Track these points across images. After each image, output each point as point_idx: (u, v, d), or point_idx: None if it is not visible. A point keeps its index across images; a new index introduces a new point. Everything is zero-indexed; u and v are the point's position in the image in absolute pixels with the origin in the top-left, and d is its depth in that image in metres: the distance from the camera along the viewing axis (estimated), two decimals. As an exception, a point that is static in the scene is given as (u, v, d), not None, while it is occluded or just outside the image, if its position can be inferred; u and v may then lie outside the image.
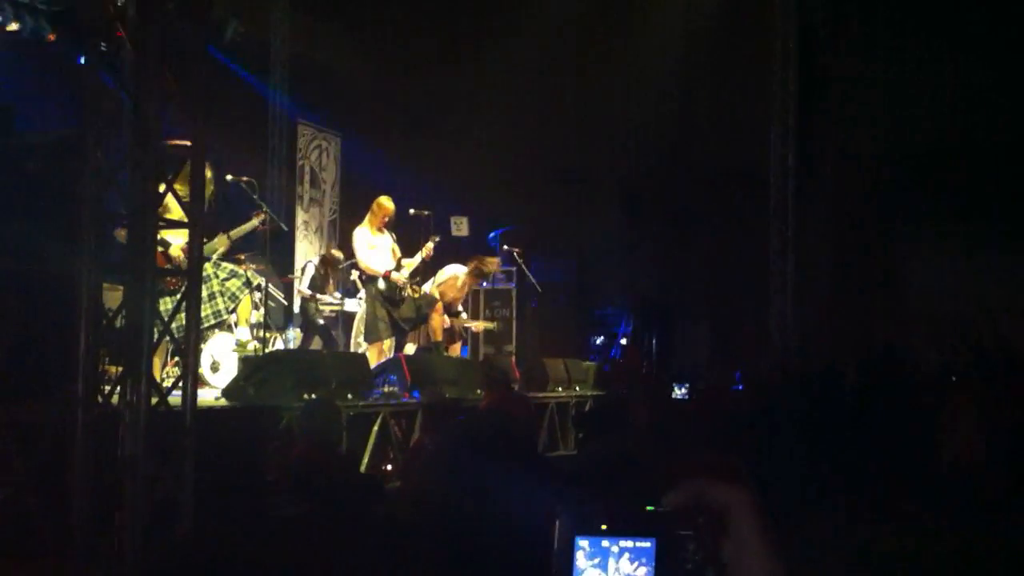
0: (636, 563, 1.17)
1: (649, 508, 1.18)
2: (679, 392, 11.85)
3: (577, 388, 10.96)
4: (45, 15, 13.07)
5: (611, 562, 1.18)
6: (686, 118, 15.90)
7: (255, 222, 9.30)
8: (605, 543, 1.18)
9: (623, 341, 14.02)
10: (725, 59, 14.75)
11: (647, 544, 1.17)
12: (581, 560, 1.18)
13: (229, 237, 9.03)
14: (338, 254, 11.86)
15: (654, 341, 13.90)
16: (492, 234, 13.03)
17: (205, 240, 8.54)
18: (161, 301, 7.42)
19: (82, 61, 11.99)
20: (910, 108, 14.37)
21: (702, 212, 15.31)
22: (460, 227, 12.49)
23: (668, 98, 15.79)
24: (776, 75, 13.01)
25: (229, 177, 9.52)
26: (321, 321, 11.71)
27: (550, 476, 1.96)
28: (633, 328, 14.12)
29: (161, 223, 5.07)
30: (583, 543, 1.18)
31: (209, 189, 8.56)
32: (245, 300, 9.07)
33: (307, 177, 15.26)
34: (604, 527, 1.18)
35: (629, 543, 1.17)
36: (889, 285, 14.07)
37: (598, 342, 14.34)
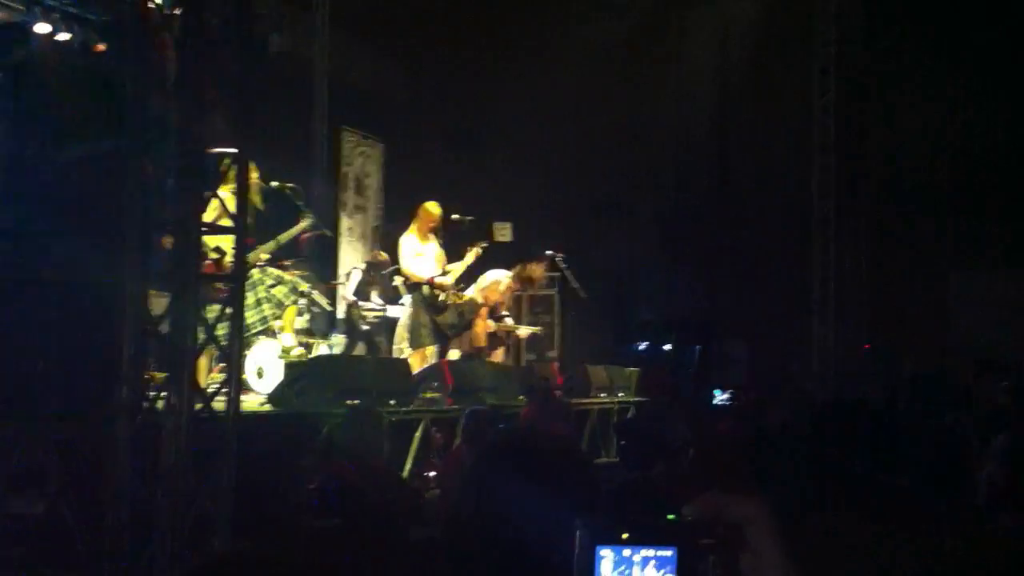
0: (662, 571, 1.17)
1: (670, 518, 1.19)
2: (721, 398, 11.80)
3: (620, 394, 10.92)
4: (94, 25, 13.28)
5: (636, 570, 1.18)
6: (725, 142, 15.88)
7: (303, 224, 9.32)
8: (627, 552, 1.18)
9: (666, 348, 13.96)
10: (763, 82, 14.72)
11: (669, 552, 1.17)
12: (606, 570, 1.18)
13: (278, 241, 9.07)
14: (384, 257, 11.91)
15: (696, 358, 13.85)
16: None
17: (255, 244, 8.67)
18: (208, 308, 7.50)
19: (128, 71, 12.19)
20: (952, 129, 14.28)
21: (742, 232, 15.26)
22: (504, 232, 12.46)
23: (707, 121, 15.77)
24: (815, 96, 12.95)
25: (274, 184, 9.58)
26: (365, 327, 11.76)
27: (583, 495, 1.95)
28: (673, 346, 14.07)
29: (206, 230, 5.12)
30: (605, 552, 1.18)
31: (256, 197, 8.68)
32: (291, 307, 9.13)
33: (351, 184, 15.34)
34: (625, 536, 1.18)
35: (651, 552, 1.17)
36: (931, 308, 13.96)
37: (640, 348, 14.29)
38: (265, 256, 8.96)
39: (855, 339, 13.06)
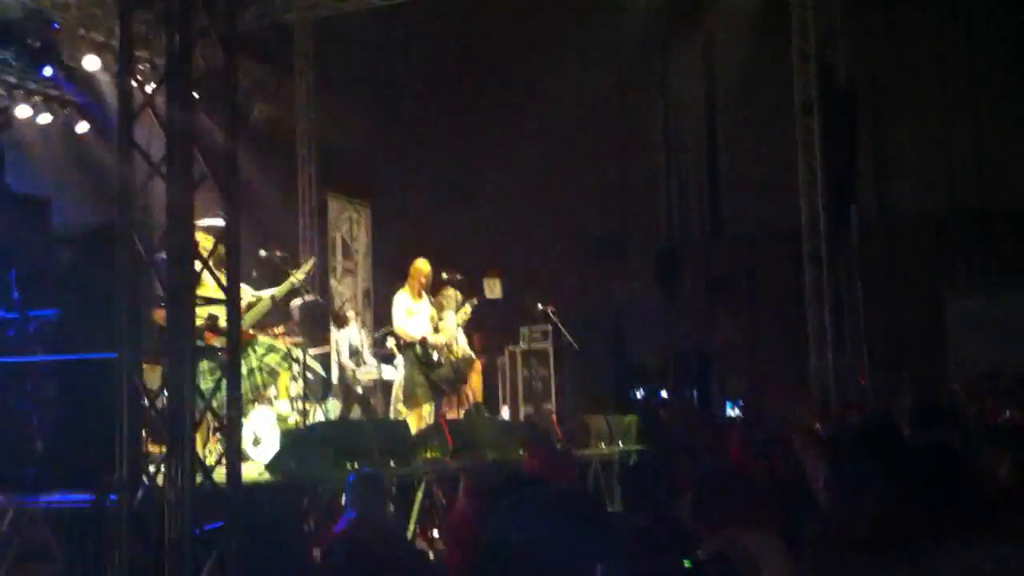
0: None
1: (686, 565, 1.20)
2: (732, 412, 11.76)
3: (620, 443, 10.89)
4: (75, 106, 13.41)
5: None
6: (717, 178, 16.03)
7: (292, 279, 9.26)
8: None
9: (663, 395, 13.96)
10: (751, 118, 14.89)
11: None
12: None
13: (273, 298, 9.04)
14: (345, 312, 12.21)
15: (695, 395, 13.85)
16: None
17: (251, 302, 8.65)
18: (203, 378, 7.48)
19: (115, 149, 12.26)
20: (944, 161, 14.50)
21: (736, 269, 15.35)
22: (493, 289, 12.51)
23: (698, 158, 15.92)
24: (799, 133, 13.09)
25: (263, 252, 9.61)
26: (360, 390, 11.76)
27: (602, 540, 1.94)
28: (673, 383, 14.08)
29: (199, 301, 5.13)
30: None
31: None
32: (284, 373, 9.11)
33: (339, 248, 15.40)
34: None
35: None
36: (930, 338, 14.04)
37: (638, 395, 14.28)
38: (263, 308, 8.89)
39: (853, 371, 13.07)
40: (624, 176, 16.39)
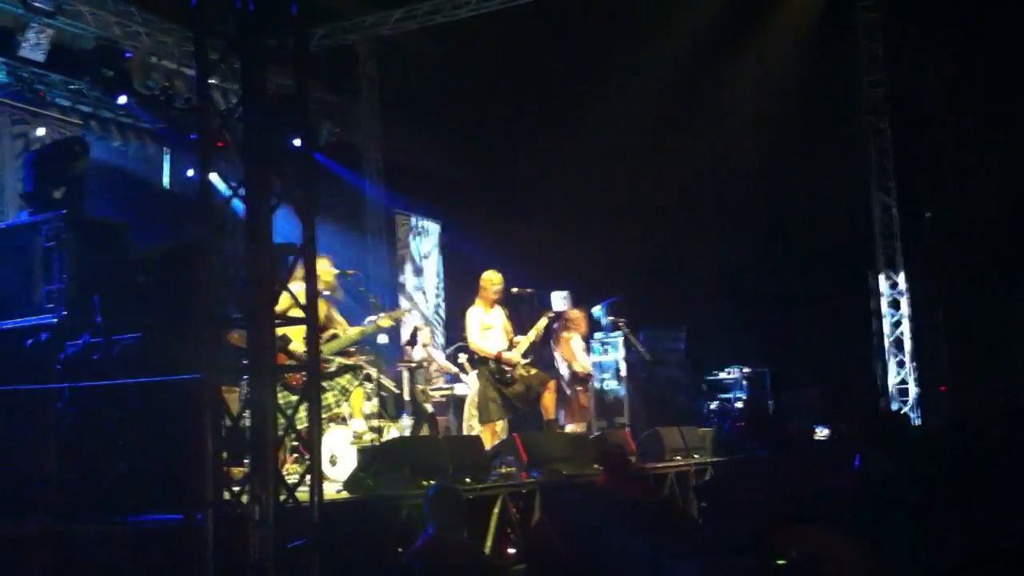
0: None
1: (779, 562, 1.18)
2: (822, 434, 11.58)
3: (695, 456, 10.78)
4: (149, 132, 13.70)
5: None
6: (781, 190, 15.86)
7: (380, 323, 9.37)
8: None
9: (738, 406, 13.81)
10: (810, 124, 14.72)
11: None
12: None
13: (363, 333, 9.16)
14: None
15: (770, 404, 13.68)
16: (597, 308, 13.02)
17: (336, 334, 8.78)
18: (281, 398, 7.57)
19: (193, 173, 12.51)
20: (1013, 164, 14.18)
21: (805, 278, 15.15)
22: (563, 303, 12.52)
23: (761, 171, 15.77)
24: (869, 136, 12.92)
25: (335, 271, 9.70)
26: (429, 407, 11.82)
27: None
28: (747, 394, 13.92)
29: (279, 321, 5.19)
30: None
31: (331, 281, 8.83)
32: (357, 392, 9.17)
33: (408, 266, 15.51)
34: None
35: None
36: (1003, 346, 13.71)
37: (712, 407, 14.15)
38: (346, 342, 9.00)
39: (932, 380, 12.84)
40: (686, 191, 16.29)
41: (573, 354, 11.85)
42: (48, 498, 6.92)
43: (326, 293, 8.77)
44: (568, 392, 11.62)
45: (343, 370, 9.01)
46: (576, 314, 12.01)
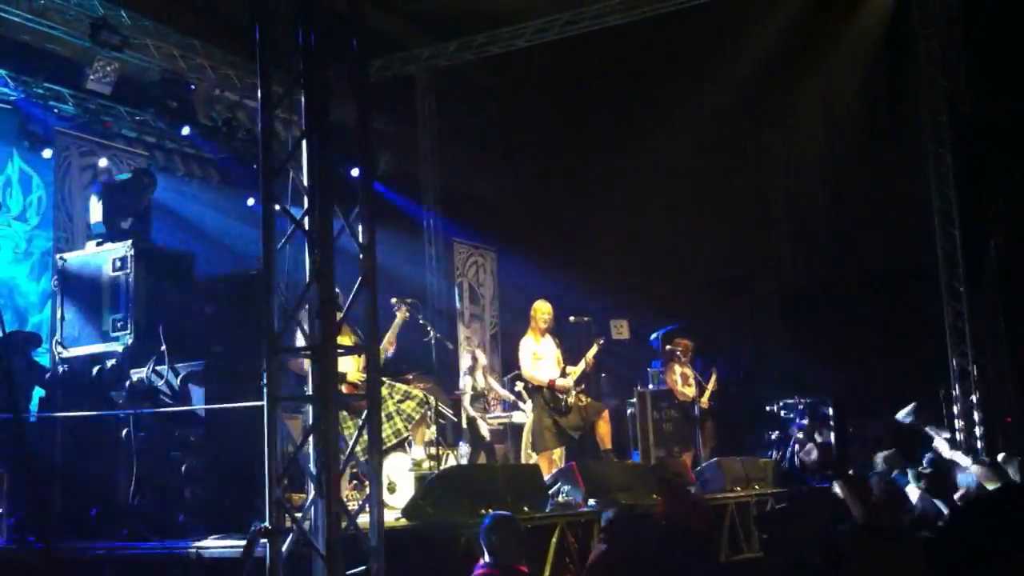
0: None
1: None
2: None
3: (756, 487, 10.66)
4: (212, 163, 13.96)
5: None
6: (841, 215, 15.69)
7: (402, 316, 9.45)
8: None
9: (799, 435, 13.62)
10: (876, 149, 14.57)
11: None
12: None
13: (389, 343, 9.23)
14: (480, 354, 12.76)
15: (832, 437, 13.46)
16: (654, 335, 12.98)
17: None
18: (344, 426, 7.64)
19: (253, 203, 12.68)
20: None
21: (869, 307, 14.95)
22: (621, 330, 12.54)
23: (822, 196, 15.61)
24: (931, 165, 12.77)
25: (394, 300, 9.80)
26: (487, 435, 11.84)
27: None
28: (808, 424, 13.71)
29: (342, 351, 5.25)
30: None
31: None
32: (419, 419, 9.21)
33: (466, 293, 15.59)
34: None
35: None
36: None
37: (772, 437, 13.97)
38: (386, 356, 9.07)
39: (997, 410, 12.57)
40: (747, 215, 16.15)
41: (676, 382, 12.27)
42: (115, 522, 7.05)
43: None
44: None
45: (409, 397, 9.05)
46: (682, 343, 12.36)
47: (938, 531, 7.44)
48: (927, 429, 11.36)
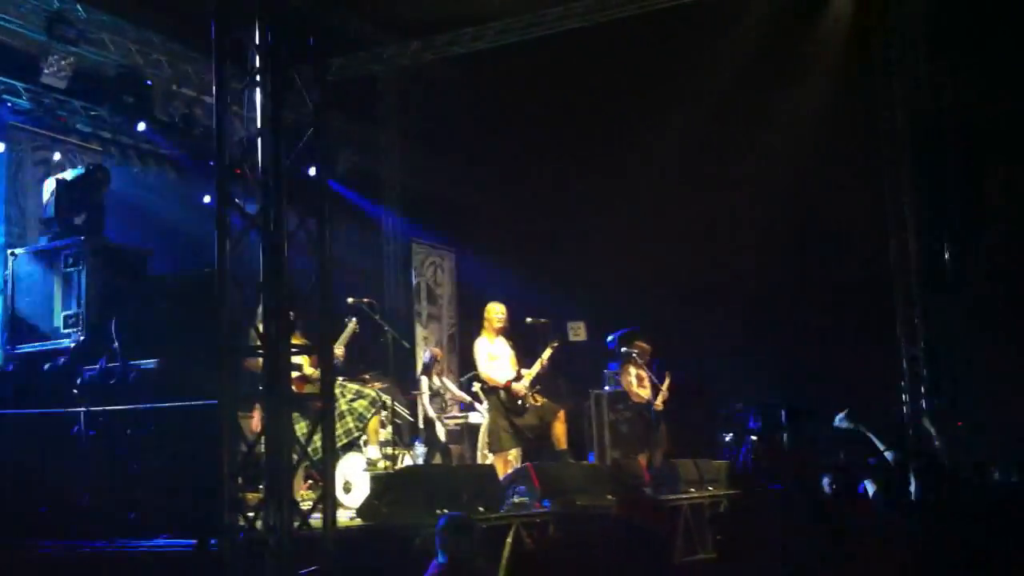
0: None
1: None
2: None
3: (710, 488, 10.73)
4: (168, 159, 13.83)
5: None
6: (804, 223, 15.78)
7: (352, 327, 9.44)
8: None
9: (753, 438, 13.72)
10: (839, 163, 14.67)
11: None
12: None
13: (338, 351, 9.19)
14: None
15: (784, 439, 13.58)
16: (611, 336, 13.01)
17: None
18: (297, 426, 7.59)
19: (209, 200, 12.59)
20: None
21: (825, 313, 15.05)
22: (578, 332, 12.55)
23: (784, 203, 15.70)
24: (886, 175, 12.92)
25: (350, 300, 9.78)
26: (442, 436, 11.84)
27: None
28: (761, 427, 13.82)
29: (293, 349, 5.23)
30: None
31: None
32: (373, 419, 9.20)
33: (424, 294, 15.57)
34: None
35: None
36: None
37: (727, 439, 14.06)
38: (337, 361, 9.02)
39: (950, 415, 12.73)
40: (710, 222, 16.20)
41: (631, 384, 12.31)
42: (65, 521, 6.97)
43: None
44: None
45: (361, 396, 9.03)
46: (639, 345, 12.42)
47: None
48: (862, 430, 11.51)
